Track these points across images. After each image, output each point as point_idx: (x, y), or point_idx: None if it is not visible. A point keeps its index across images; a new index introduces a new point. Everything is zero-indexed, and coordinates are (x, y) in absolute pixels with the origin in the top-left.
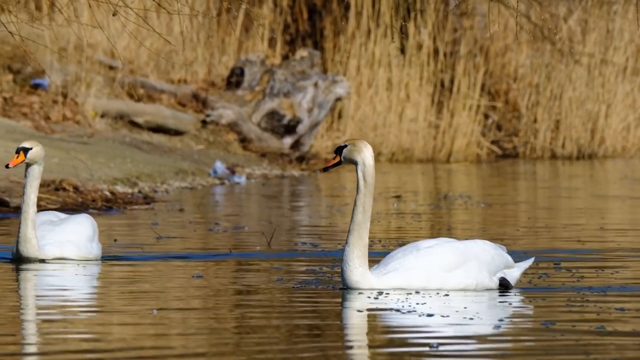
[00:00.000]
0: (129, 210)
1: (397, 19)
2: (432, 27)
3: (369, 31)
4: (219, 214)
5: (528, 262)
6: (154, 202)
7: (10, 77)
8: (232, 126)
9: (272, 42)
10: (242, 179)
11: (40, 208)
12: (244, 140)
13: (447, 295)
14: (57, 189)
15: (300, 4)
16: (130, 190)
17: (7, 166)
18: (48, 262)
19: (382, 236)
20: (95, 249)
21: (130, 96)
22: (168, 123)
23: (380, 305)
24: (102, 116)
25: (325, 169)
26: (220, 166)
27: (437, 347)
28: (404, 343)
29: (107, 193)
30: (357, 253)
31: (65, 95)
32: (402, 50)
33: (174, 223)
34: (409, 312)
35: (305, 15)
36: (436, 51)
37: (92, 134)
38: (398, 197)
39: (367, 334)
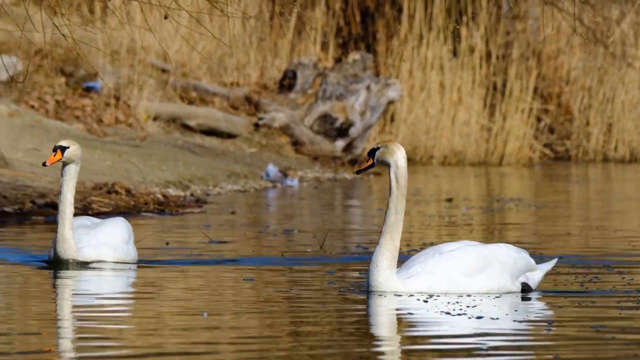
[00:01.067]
0: (181, 213)
1: (450, 22)
2: (484, 30)
3: (421, 34)
4: (271, 217)
5: (550, 264)
6: (206, 205)
7: (62, 79)
8: (285, 129)
9: (324, 45)
10: (295, 182)
11: (93, 211)
12: (296, 144)
13: (496, 297)
14: (109, 192)
15: (352, 7)
16: (182, 193)
17: (44, 164)
18: (93, 266)
19: (433, 239)
20: (131, 251)
21: (183, 99)
22: (220, 126)
23: (428, 308)
24: (155, 119)
25: (358, 172)
26: (272, 169)
27: (486, 349)
28: (454, 345)
29: (160, 196)
30: (387, 255)
31: (117, 98)
32: (455, 53)
33: (226, 226)
34: (459, 314)
35: (358, 18)
36: (489, 54)
37: (144, 137)
38: (450, 200)
39: (417, 338)
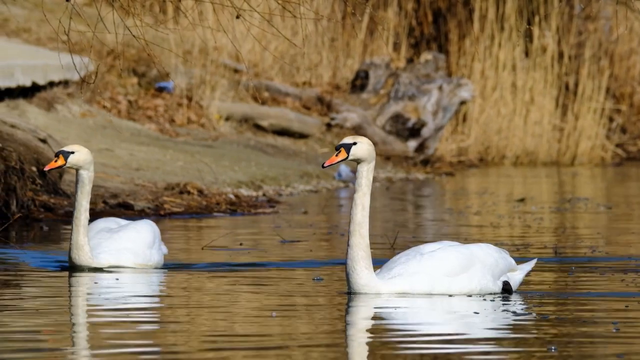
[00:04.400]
0: (253, 213)
1: (522, 23)
2: (556, 31)
3: (493, 34)
4: (343, 217)
5: (530, 264)
6: (278, 205)
7: (135, 80)
8: (357, 129)
9: (396, 46)
10: None
11: (165, 211)
12: None
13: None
14: (181, 192)
15: (425, 8)
16: (254, 194)
17: (43, 169)
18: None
19: (504, 239)
20: (155, 256)
21: (255, 99)
22: (293, 126)
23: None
24: (227, 119)
25: (327, 166)
26: (344, 169)
27: (555, 350)
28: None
29: (232, 196)
30: (362, 254)
31: (189, 99)
32: (527, 54)
33: (298, 226)
34: (533, 316)
35: (430, 19)
36: (561, 54)
37: (216, 137)
38: (522, 200)
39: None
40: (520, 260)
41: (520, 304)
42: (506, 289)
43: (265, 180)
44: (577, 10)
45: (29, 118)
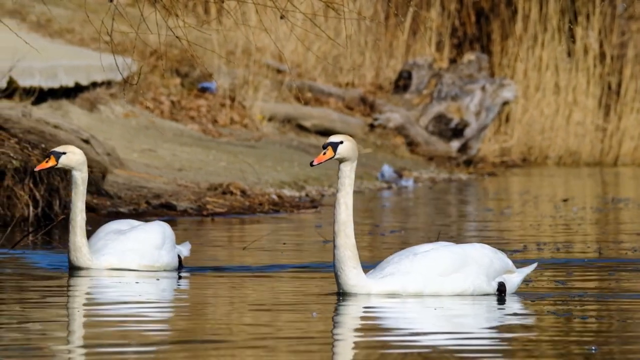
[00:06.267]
0: (296, 213)
1: (564, 23)
2: (599, 31)
3: (536, 35)
4: (385, 217)
5: (530, 268)
6: (321, 205)
7: (178, 80)
8: (400, 130)
9: (439, 46)
10: (410, 183)
11: (207, 211)
12: (411, 144)
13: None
14: (224, 193)
15: (468, 8)
16: (297, 194)
17: (33, 170)
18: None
19: (546, 239)
20: (163, 258)
21: (298, 100)
22: (335, 127)
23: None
24: (270, 120)
25: (317, 164)
26: (387, 170)
27: (596, 350)
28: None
29: (275, 197)
30: (349, 254)
31: (232, 99)
32: (569, 54)
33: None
34: (567, 315)
35: (473, 19)
36: (603, 54)
37: (259, 138)
38: (565, 200)
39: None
40: (565, 262)
41: (518, 304)
42: (501, 291)
43: (307, 181)
44: (619, 10)
45: (71, 118)
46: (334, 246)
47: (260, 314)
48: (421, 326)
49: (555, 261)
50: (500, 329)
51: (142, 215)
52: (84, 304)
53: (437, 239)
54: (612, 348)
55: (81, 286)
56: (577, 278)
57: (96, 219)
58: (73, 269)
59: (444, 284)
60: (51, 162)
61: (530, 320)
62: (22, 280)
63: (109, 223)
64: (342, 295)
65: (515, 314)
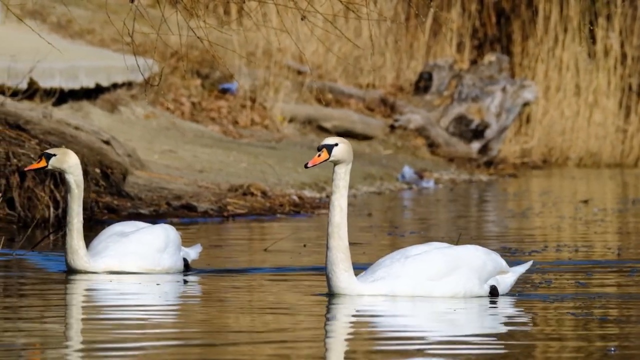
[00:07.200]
0: (316, 214)
1: (585, 24)
2: (620, 32)
3: (556, 36)
4: (406, 219)
5: (524, 267)
6: None
7: (198, 81)
8: (420, 131)
9: (460, 47)
10: (431, 184)
11: (228, 212)
12: (432, 145)
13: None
14: (244, 194)
15: (488, 9)
16: (317, 195)
17: (23, 170)
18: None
19: (567, 241)
20: (165, 261)
21: (319, 101)
22: (356, 128)
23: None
24: (290, 121)
25: (311, 166)
26: (408, 171)
27: (615, 351)
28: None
29: (295, 198)
30: (341, 256)
31: (253, 100)
32: (590, 55)
33: (362, 228)
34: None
35: (494, 20)
36: (624, 55)
37: (280, 139)
38: (586, 202)
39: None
40: (587, 264)
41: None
42: (493, 294)
43: (328, 182)
44: None
45: (92, 120)
46: (327, 248)
47: (257, 316)
48: (435, 329)
49: (575, 262)
50: (517, 328)
51: (162, 216)
52: (81, 307)
53: (458, 241)
54: (631, 349)
55: (78, 289)
56: (597, 279)
57: (117, 220)
58: (70, 272)
59: (434, 287)
60: (41, 163)
61: (550, 320)
62: (23, 281)
63: (113, 225)
64: (332, 296)
65: (535, 314)
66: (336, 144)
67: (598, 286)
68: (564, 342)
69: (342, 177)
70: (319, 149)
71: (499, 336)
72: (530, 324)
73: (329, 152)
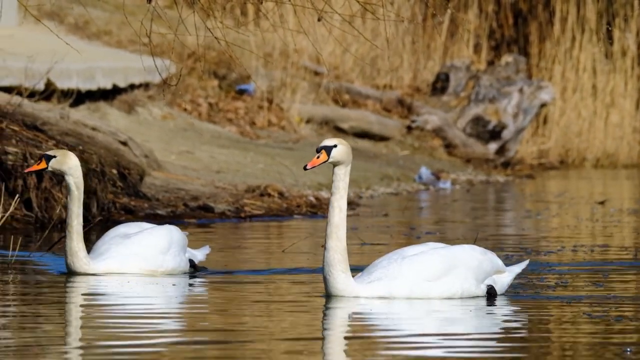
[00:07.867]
0: None
1: (602, 25)
2: (637, 33)
3: (574, 36)
4: (423, 219)
5: (521, 266)
6: (358, 207)
7: (215, 82)
8: (437, 132)
9: (477, 48)
10: (447, 185)
11: (245, 214)
12: (449, 146)
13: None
14: (261, 195)
15: (505, 10)
16: None
17: (24, 172)
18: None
19: (584, 242)
20: (169, 262)
21: (336, 102)
22: (373, 129)
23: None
24: (307, 122)
25: (310, 167)
26: (425, 172)
27: (630, 351)
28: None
29: (312, 199)
30: (339, 257)
31: (270, 101)
32: (607, 56)
33: (378, 229)
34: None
35: (511, 21)
36: None
37: (297, 140)
38: (602, 202)
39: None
40: (604, 264)
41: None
42: (490, 294)
43: None
44: None
45: (109, 120)
46: (325, 248)
47: (253, 317)
48: (443, 329)
49: (592, 264)
50: (536, 328)
51: (179, 217)
52: (81, 307)
53: (475, 242)
54: None
55: (78, 291)
56: (613, 280)
57: (134, 221)
58: (71, 274)
59: (431, 288)
60: (41, 165)
61: (566, 321)
62: (24, 282)
63: (117, 226)
64: (329, 297)
65: (550, 315)
66: (335, 145)
67: (614, 287)
68: (579, 343)
69: (342, 178)
70: (318, 151)
71: (518, 339)
72: (543, 325)
73: (328, 153)
